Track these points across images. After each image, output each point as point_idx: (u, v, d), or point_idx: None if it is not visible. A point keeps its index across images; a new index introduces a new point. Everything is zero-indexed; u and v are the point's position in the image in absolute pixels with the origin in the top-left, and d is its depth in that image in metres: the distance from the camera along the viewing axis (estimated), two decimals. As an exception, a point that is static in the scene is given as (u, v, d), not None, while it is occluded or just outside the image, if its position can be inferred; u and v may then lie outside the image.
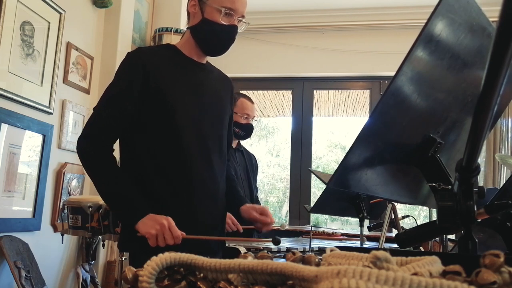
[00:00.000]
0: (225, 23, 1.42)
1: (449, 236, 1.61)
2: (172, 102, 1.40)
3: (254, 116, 2.46)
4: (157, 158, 1.40)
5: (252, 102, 2.47)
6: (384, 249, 0.38)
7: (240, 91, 4.55)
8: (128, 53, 1.46)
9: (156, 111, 1.39)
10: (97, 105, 1.41)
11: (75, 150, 1.41)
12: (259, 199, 2.62)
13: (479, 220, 0.73)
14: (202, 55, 1.52)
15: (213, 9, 1.42)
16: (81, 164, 1.40)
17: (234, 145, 2.44)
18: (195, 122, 1.44)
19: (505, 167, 3.81)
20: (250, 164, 2.51)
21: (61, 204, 2.75)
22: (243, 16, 1.46)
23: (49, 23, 2.72)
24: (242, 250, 1.51)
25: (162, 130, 1.40)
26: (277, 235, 1.36)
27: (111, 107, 1.38)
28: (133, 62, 1.41)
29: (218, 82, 1.58)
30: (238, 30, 1.47)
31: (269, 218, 1.47)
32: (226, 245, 1.57)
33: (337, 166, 0.72)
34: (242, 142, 2.57)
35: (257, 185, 2.65)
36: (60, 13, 2.80)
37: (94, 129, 1.38)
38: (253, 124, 2.46)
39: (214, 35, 1.45)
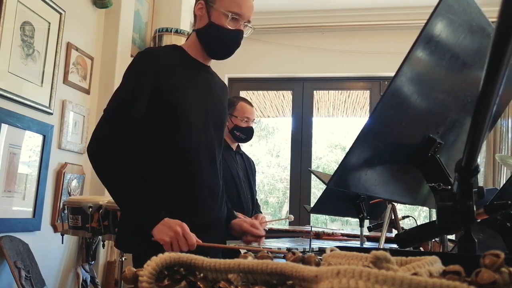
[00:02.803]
0: (231, 28, 1.43)
1: (449, 236, 1.61)
2: (181, 103, 1.40)
3: (254, 119, 2.49)
4: (164, 159, 1.40)
5: (252, 106, 2.51)
6: (384, 249, 0.38)
7: (240, 92, 4.58)
8: (138, 53, 1.46)
9: (165, 112, 1.39)
10: (107, 107, 1.40)
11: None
12: (258, 201, 2.63)
13: (479, 220, 0.73)
14: (207, 57, 1.53)
15: (220, 13, 1.42)
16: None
17: (234, 147, 2.47)
18: (203, 123, 1.45)
19: (505, 167, 3.81)
20: (249, 167, 2.55)
21: (61, 204, 2.76)
22: (249, 21, 1.47)
23: (49, 23, 2.72)
24: (242, 250, 1.51)
25: (170, 131, 1.40)
26: (278, 233, 1.36)
27: (121, 109, 1.37)
28: (143, 63, 1.41)
29: (219, 86, 1.60)
30: (244, 35, 1.48)
31: (260, 231, 1.47)
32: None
33: (337, 166, 0.72)
34: (240, 145, 2.60)
35: (257, 186, 2.67)
36: (60, 13, 2.81)
37: (104, 131, 1.36)
38: (253, 127, 2.49)
39: (220, 39, 1.45)
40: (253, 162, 2.66)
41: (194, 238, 1.26)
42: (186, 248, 1.25)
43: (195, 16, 1.51)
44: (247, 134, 2.45)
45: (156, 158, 1.40)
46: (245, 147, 2.70)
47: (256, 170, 2.71)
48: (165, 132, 1.40)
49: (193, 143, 1.42)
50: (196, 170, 1.42)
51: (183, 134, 1.40)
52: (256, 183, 2.66)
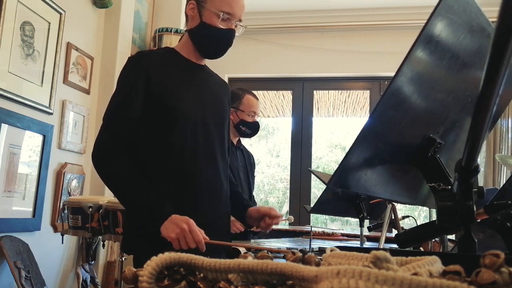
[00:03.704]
0: (223, 27, 1.44)
1: (449, 236, 1.61)
2: (177, 105, 1.41)
3: (259, 113, 2.43)
4: (163, 160, 1.40)
5: (257, 99, 2.44)
6: (384, 249, 0.38)
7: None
8: (129, 58, 1.47)
9: (161, 113, 1.40)
10: (104, 114, 1.42)
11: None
12: (254, 198, 2.61)
13: (479, 220, 0.73)
14: (200, 57, 1.53)
15: (211, 13, 1.43)
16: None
17: (235, 142, 2.43)
18: (200, 123, 1.45)
19: (505, 167, 3.81)
20: (249, 163, 2.51)
21: (61, 204, 2.76)
22: (240, 20, 1.48)
23: (49, 23, 2.72)
24: (242, 250, 1.51)
25: (167, 133, 1.40)
26: (278, 233, 1.36)
27: (118, 113, 1.39)
28: (135, 66, 1.42)
29: (217, 84, 1.61)
30: (236, 34, 1.49)
31: (278, 213, 1.49)
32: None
33: (337, 166, 0.72)
34: (242, 142, 2.57)
35: (257, 186, 2.64)
36: (60, 13, 2.81)
37: (104, 138, 1.38)
38: (259, 121, 2.43)
39: (212, 39, 1.46)
40: (252, 157, 2.61)
41: (200, 235, 1.26)
42: (193, 245, 1.25)
43: (186, 16, 1.52)
44: (253, 129, 2.38)
45: (155, 159, 1.40)
46: (245, 147, 2.67)
47: (256, 170, 2.68)
48: (162, 134, 1.40)
49: (191, 143, 1.42)
50: (195, 170, 1.42)
51: (180, 134, 1.41)
52: (256, 183, 2.64)
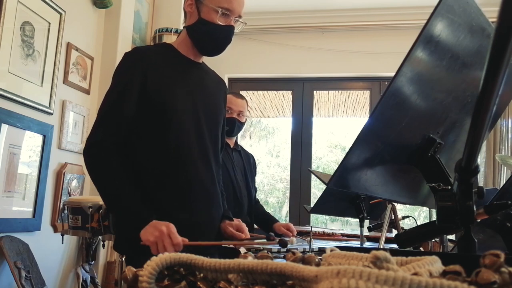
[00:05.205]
0: (221, 24, 1.42)
1: (449, 236, 1.61)
2: (171, 103, 1.39)
3: (241, 111, 2.35)
4: (156, 159, 1.39)
5: (240, 98, 2.39)
6: (384, 249, 0.38)
7: (240, 92, 4.56)
8: (126, 53, 1.45)
9: (155, 111, 1.38)
10: (99, 110, 1.40)
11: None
12: (258, 199, 2.59)
13: (479, 220, 0.73)
14: (198, 54, 1.51)
15: (209, 9, 1.41)
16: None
17: (231, 144, 2.41)
18: (194, 122, 1.44)
19: (505, 168, 3.81)
20: (248, 164, 2.47)
21: (61, 205, 2.76)
22: (240, 16, 1.45)
23: (49, 23, 2.72)
24: (242, 250, 1.51)
25: (161, 130, 1.39)
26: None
27: (113, 111, 1.37)
28: (131, 62, 1.40)
29: (214, 83, 1.59)
30: (235, 30, 1.47)
31: (243, 235, 1.44)
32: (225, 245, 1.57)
33: (337, 166, 0.72)
34: (242, 142, 2.55)
35: (257, 186, 2.62)
36: (60, 14, 2.81)
37: (98, 135, 1.36)
38: (240, 120, 2.36)
39: (211, 35, 1.44)
40: (253, 158, 2.57)
41: (179, 238, 1.23)
42: (171, 248, 1.21)
43: (185, 12, 1.50)
44: (228, 125, 2.26)
45: (150, 159, 1.39)
46: (245, 148, 2.66)
47: (256, 170, 2.65)
48: (156, 132, 1.39)
49: (184, 142, 1.40)
50: (190, 170, 1.40)
51: (174, 133, 1.39)
52: (256, 183, 2.61)
